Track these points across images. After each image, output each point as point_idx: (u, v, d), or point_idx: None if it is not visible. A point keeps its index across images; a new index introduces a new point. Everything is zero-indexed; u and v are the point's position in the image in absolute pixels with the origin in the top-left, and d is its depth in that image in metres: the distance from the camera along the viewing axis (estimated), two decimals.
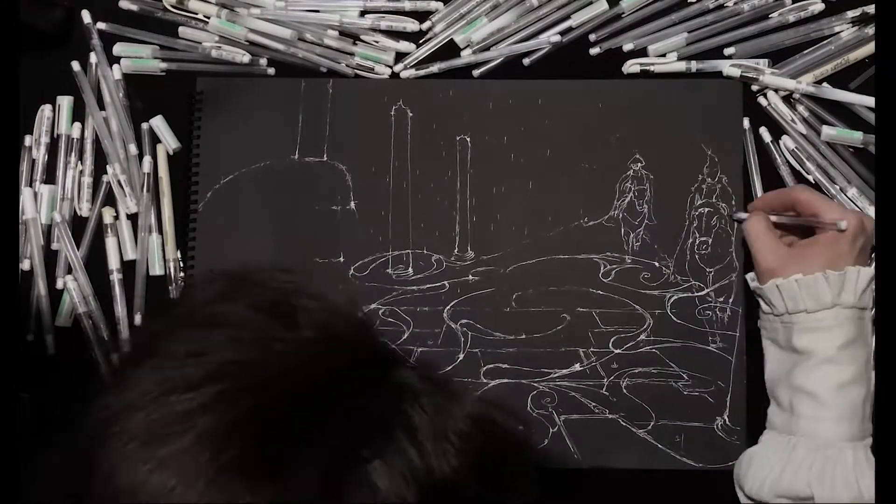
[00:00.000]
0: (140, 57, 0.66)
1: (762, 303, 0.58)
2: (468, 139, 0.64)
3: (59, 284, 0.64)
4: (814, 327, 0.54)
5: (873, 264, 0.56)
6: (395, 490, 0.33)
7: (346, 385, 0.34)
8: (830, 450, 0.52)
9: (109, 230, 0.64)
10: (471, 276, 0.63)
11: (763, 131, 0.64)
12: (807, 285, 0.54)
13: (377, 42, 0.66)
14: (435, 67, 0.65)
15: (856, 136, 0.63)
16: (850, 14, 0.65)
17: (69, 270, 0.64)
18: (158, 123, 0.65)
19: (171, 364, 0.34)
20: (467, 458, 0.35)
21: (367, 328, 0.39)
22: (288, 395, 0.33)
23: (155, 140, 0.65)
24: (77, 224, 0.65)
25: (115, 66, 0.66)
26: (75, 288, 0.63)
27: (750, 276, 0.60)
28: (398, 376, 0.37)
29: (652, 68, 0.65)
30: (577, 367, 0.62)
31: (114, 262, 0.64)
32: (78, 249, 0.64)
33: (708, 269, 0.63)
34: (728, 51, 0.65)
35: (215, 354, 0.34)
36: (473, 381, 0.62)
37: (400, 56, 0.66)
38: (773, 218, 0.59)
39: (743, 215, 0.62)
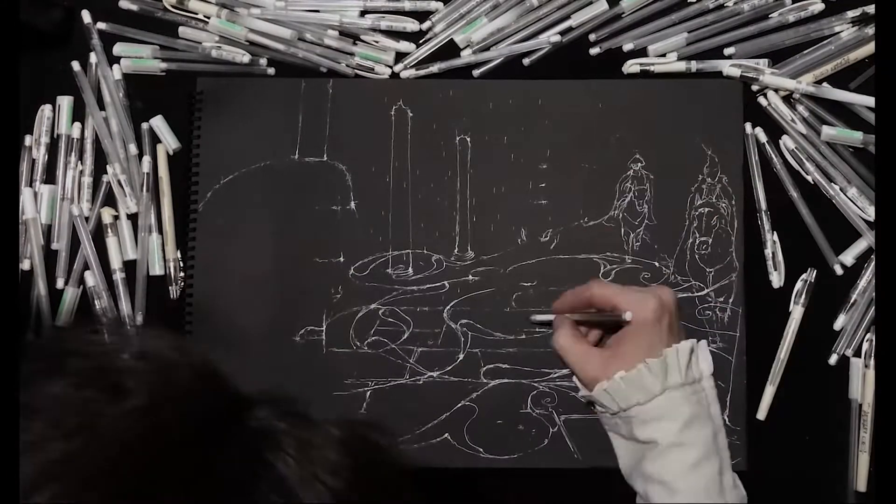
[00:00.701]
0: (140, 57, 0.66)
1: (597, 406, 0.57)
2: (468, 139, 0.64)
3: (59, 284, 0.64)
4: (651, 417, 0.53)
5: (690, 339, 0.55)
6: None
7: (193, 449, 0.31)
8: None
9: (109, 230, 0.64)
10: (471, 276, 0.63)
11: (759, 131, 0.64)
12: (631, 380, 0.53)
13: (377, 42, 0.66)
14: (435, 67, 0.65)
15: (856, 136, 0.63)
16: (850, 14, 0.65)
17: (69, 270, 0.64)
18: (158, 123, 0.65)
19: None
20: (342, 490, 0.32)
21: (208, 376, 0.35)
22: (130, 477, 0.30)
23: (155, 140, 0.65)
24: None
25: (115, 66, 0.66)
26: (93, 283, 0.63)
27: (578, 385, 0.58)
28: (254, 420, 0.34)
29: (652, 68, 0.65)
30: None
31: (116, 262, 0.64)
32: (77, 250, 0.64)
33: (708, 269, 0.63)
34: (728, 51, 0.65)
35: (39, 452, 0.30)
36: (473, 381, 0.62)
37: (400, 56, 0.66)
38: (576, 317, 0.58)
39: (540, 317, 0.61)
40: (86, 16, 0.66)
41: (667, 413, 0.53)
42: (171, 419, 0.32)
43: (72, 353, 0.34)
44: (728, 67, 0.64)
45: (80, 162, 0.65)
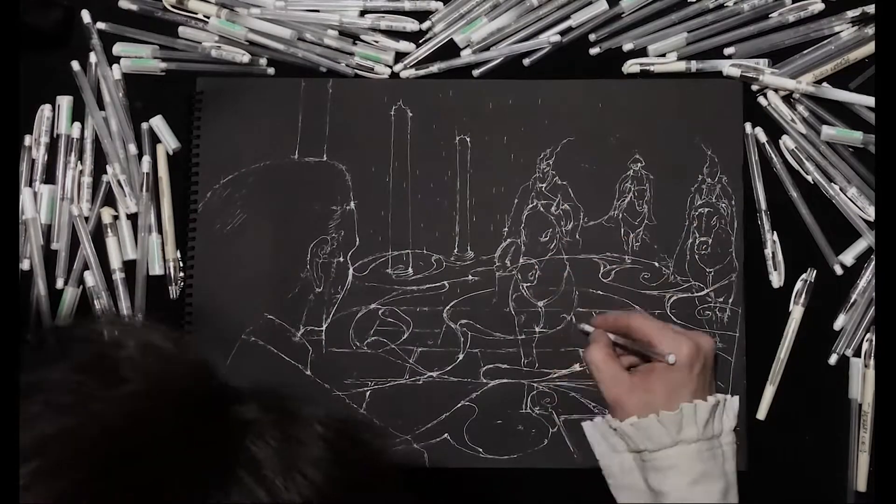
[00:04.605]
0: (140, 57, 0.66)
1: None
2: (468, 139, 0.64)
3: (59, 284, 0.64)
4: (660, 466, 0.53)
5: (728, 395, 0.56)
6: None
7: (177, 436, 0.32)
8: None
9: (109, 230, 0.64)
10: (470, 276, 0.63)
11: (759, 131, 0.64)
12: (641, 427, 0.53)
13: (377, 42, 0.66)
14: (435, 67, 0.65)
15: (856, 136, 0.63)
16: (850, 14, 0.65)
17: (69, 270, 0.64)
18: (158, 123, 0.65)
19: None
20: (324, 485, 0.33)
21: (202, 370, 0.36)
22: (113, 458, 0.31)
23: (155, 140, 0.65)
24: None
25: (115, 66, 0.66)
26: (93, 283, 0.63)
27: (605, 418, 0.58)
28: (237, 413, 0.35)
29: (652, 68, 0.65)
30: (577, 367, 0.62)
31: (116, 262, 0.64)
32: (76, 250, 0.64)
33: (708, 270, 0.63)
34: (728, 51, 0.65)
35: (32, 426, 0.31)
36: (473, 381, 0.62)
37: (400, 56, 0.66)
38: (613, 338, 0.57)
39: (588, 328, 0.60)
40: (86, 16, 0.66)
41: (676, 466, 0.52)
42: (161, 407, 0.33)
43: (76, 341, 0.36)
44: (728, 67, 0.64)
45: (79, 162, 0.65)
